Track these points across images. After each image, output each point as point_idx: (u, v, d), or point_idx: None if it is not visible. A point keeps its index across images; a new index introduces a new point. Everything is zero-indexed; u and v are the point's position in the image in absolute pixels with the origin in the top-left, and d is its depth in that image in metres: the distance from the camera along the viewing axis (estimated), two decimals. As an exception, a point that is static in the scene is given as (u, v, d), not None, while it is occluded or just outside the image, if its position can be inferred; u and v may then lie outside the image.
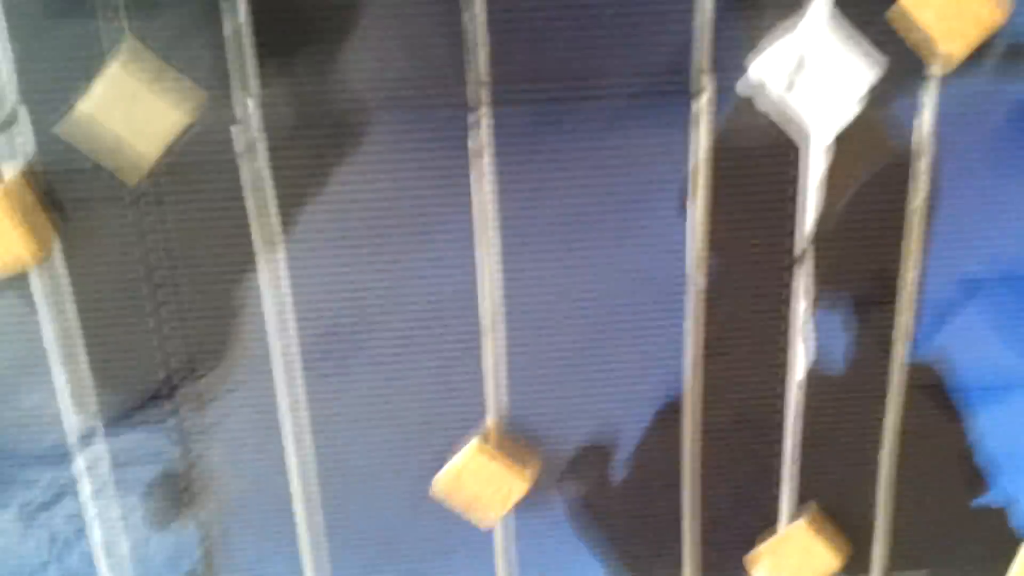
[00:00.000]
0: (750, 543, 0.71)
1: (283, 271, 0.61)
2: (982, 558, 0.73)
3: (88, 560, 0.68)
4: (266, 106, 0.57)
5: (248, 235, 0.60)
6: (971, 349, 0.66)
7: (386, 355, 0.64)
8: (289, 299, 0.62)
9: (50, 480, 0.65)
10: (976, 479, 0.70)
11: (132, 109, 0.56)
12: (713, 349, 0.65)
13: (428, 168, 0.59)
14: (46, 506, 0.66)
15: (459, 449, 0.66)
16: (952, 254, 0.63)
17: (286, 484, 0.67)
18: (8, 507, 0.66)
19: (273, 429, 0.65)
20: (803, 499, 0.70)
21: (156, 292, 0.61)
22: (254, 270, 0.61)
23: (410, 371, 0.64)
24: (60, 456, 0.65)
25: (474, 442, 0.66)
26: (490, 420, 0.66)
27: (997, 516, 0.71)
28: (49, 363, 0.63)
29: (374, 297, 0.62)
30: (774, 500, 0.70)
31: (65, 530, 0.67)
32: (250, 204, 0.59)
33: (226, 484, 0.66)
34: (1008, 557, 0.72)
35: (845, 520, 0.71)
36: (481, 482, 0.66)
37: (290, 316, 0.62)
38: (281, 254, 0.60)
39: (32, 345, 0.62)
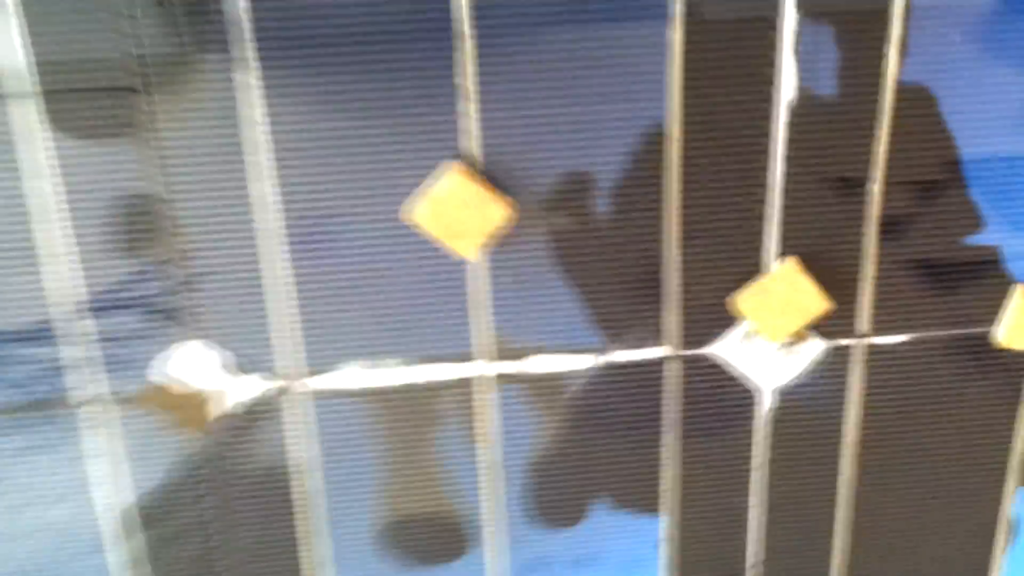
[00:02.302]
0: (734, 286, 0.69)
1: None
2: (972, 309, 0.71)
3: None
4: None
5: None
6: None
7: (357, 74, 0.62)
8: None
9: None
10: (969, 215, 0.68)
11: None
12: (698, 71, 0.63)
13: None
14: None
15: (433, 177, 0.65)
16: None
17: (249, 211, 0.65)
18: None
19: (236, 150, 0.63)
20: (789, 246, 0.68)
21: None
22: None
23: (384, 93, 0.63)
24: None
25: (453, 165, 0.64)
26: (468, 145, 0.64)
27: (989, 257, 0.70)
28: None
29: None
30: (760, 239, 0.68)
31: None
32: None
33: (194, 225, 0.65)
34: (999, 302, 0.71)
35: (830, 277, 0.70)
36: (461, 205, 0.64)
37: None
38: None
39: None
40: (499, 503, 0.73)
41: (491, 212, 0.65)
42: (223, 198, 0.64)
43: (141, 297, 0.67)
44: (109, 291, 0.66)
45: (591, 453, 0.72)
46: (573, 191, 0.66)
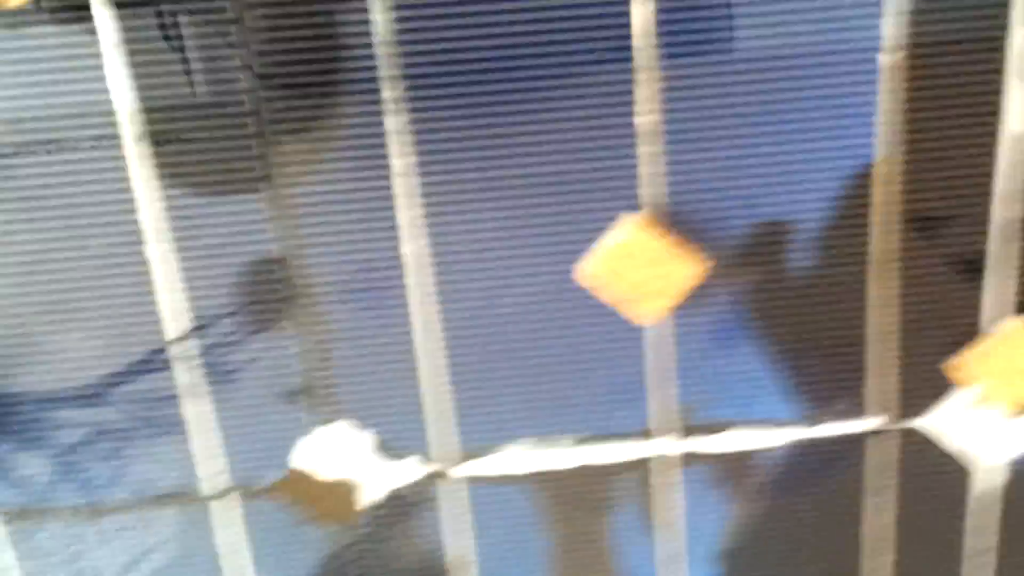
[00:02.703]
0: (953, 349, 0.60)
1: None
2: None
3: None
4: None
5: None
6: None
7: (528, 119, 0.55)
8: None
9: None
10: None
11: None
12: (916, 102, 0.55)
13: None
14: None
15: (610, 231, 0.57)
16: None
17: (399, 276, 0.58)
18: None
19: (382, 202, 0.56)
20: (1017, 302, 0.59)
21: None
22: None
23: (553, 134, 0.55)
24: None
25: (633, 218, 0.56)
26: (650, 193, 0.56)
27: None
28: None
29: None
30: (983, 293, 0.59)
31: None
32: None
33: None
34: None
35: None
36: (643, 263, 0.56)
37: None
38: None
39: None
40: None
41: (677, 270, 0.57)
42: (363, 258, 0.57)
43: (270, 371, 0.59)
44: (232, 364, 0.59)
45: (786, 540, 0.63)
46: (770, 243, 0.57)
